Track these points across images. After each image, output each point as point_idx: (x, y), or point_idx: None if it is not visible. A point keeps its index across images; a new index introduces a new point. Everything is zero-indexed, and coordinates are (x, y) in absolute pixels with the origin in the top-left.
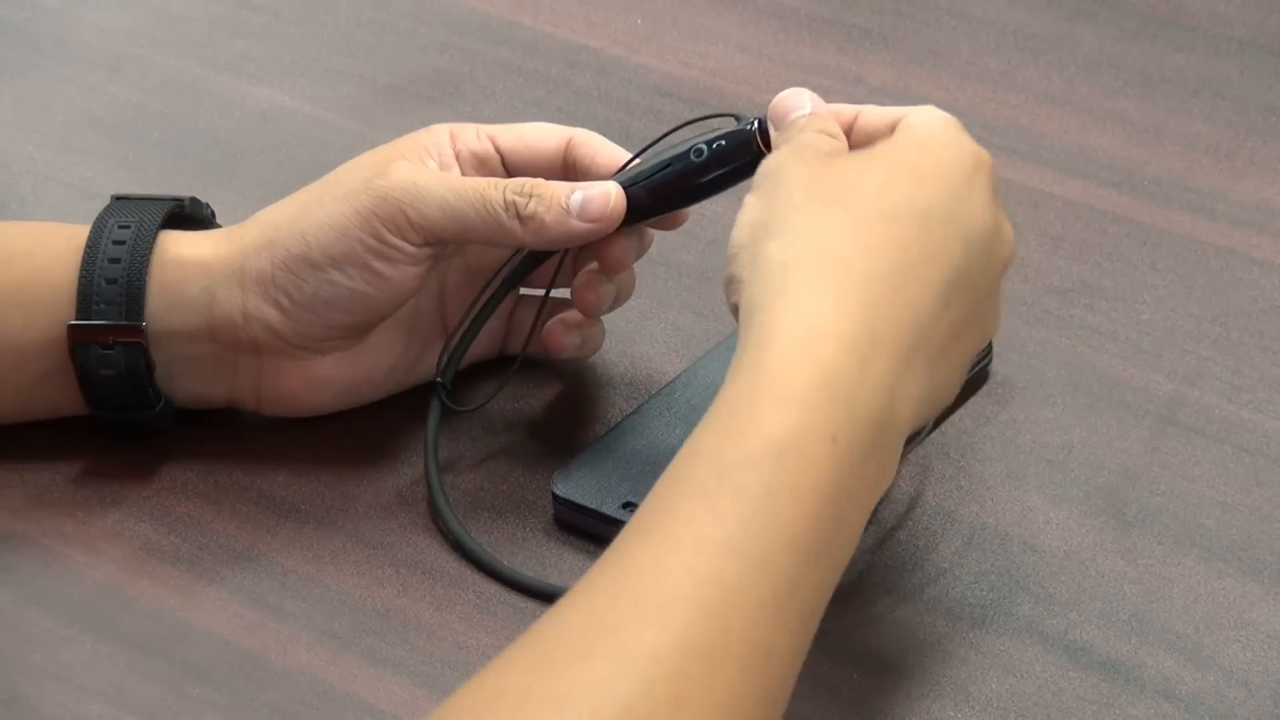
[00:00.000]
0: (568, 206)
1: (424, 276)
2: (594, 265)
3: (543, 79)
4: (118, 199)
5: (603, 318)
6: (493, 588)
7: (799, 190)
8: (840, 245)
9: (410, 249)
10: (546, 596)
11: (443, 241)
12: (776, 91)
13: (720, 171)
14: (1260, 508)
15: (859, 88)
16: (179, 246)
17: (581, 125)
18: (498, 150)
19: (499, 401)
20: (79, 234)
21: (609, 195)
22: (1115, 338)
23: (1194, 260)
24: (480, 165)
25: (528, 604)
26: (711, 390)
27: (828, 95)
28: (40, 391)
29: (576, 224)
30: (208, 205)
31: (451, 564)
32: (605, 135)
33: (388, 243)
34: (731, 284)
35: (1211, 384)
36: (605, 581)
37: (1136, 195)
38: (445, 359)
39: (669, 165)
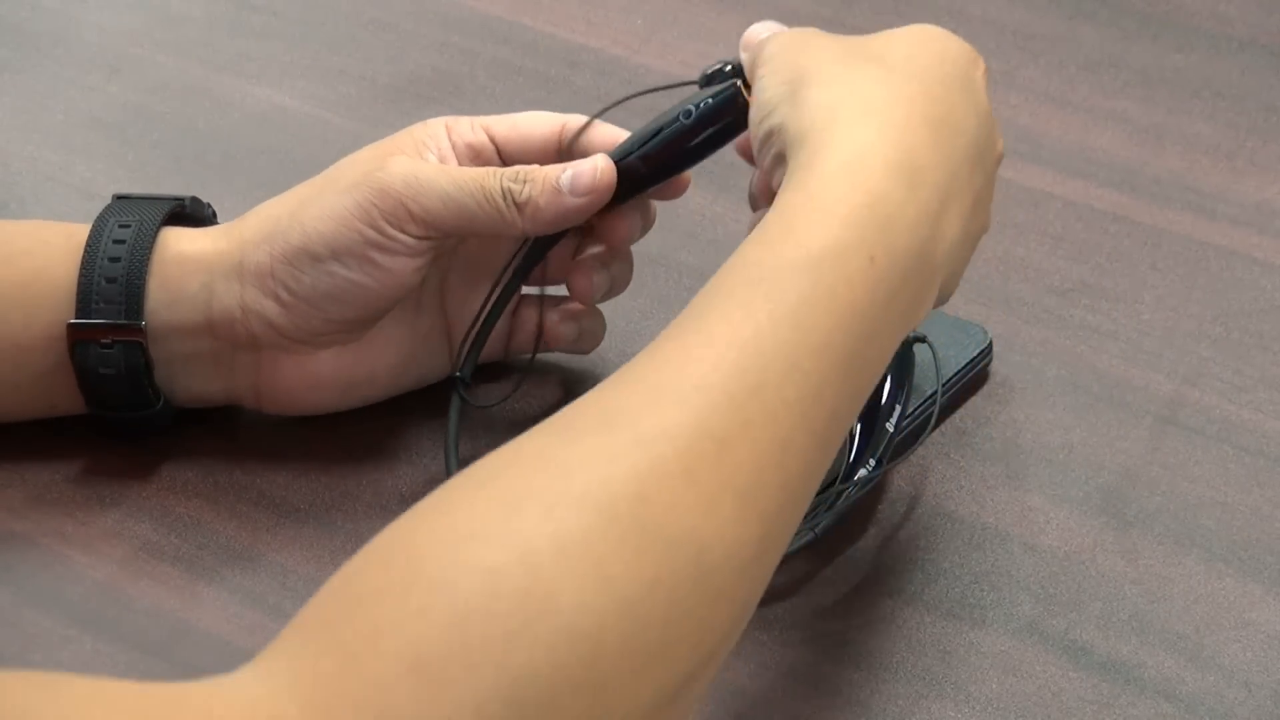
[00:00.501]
0: (559, 186)
1: (422, 270)
2: (590, 251)
3: (543, 79)
4: (119, 198)
5: (605, 321)
6: None
7: (829, 51)
8: (880, 93)
9: (410, 241)
10: None
11: (443, 233)
12: None
13: (710, 131)
14: (1260, 508)
15: None
16: (179, 243)
17: None
18: (493, 141)
19: (502, 403)
20: (79, 233)
21: (595, 167)
22: (1115, 338)
23: (1194, 260)
24: (476, 156)
25: None
26: None
27: None
28: (41, 390)
29: (570, 200)
30: (209, 205)
31: None
32: None
33: (387, 235)
34: (771, 136)
35: (1211, 384)
36: (635, 369)
37: (1136, 195)
38: (463, 354)
39: (659, 132)
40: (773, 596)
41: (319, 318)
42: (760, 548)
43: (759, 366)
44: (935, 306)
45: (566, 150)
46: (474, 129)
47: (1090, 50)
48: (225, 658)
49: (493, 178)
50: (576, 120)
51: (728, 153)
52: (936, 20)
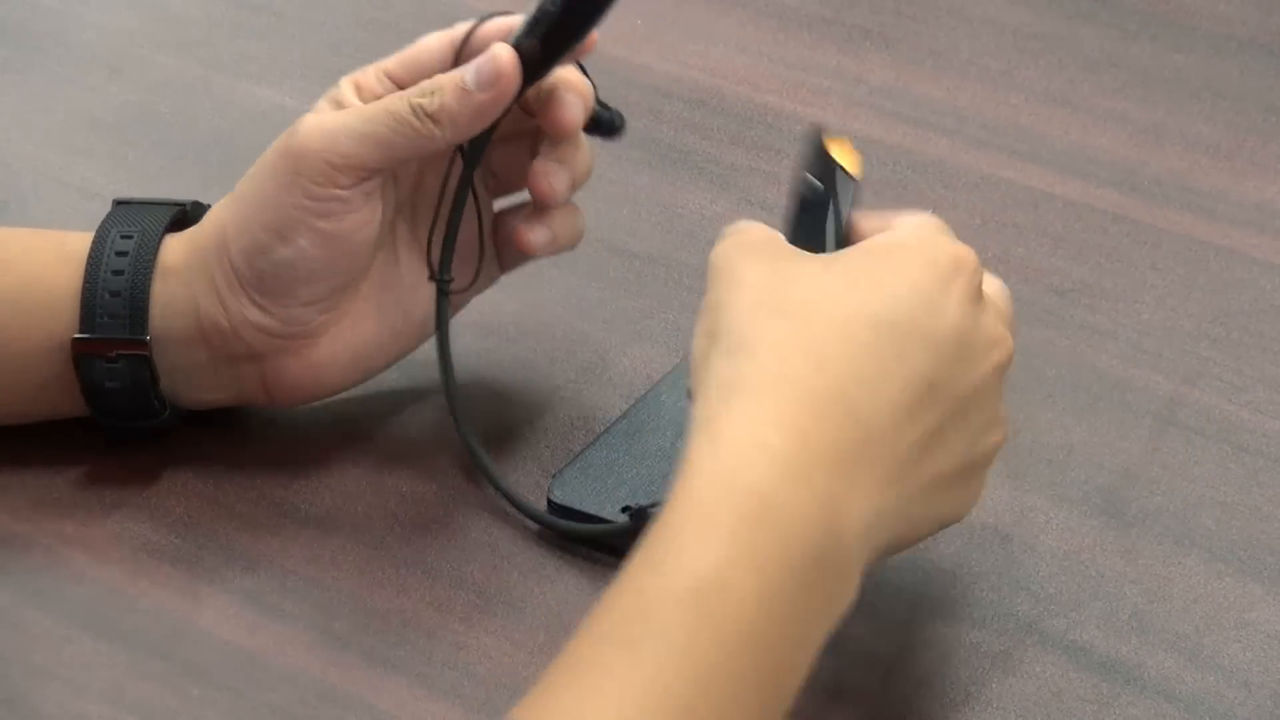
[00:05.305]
0: (466, 85)
1: (374, 221)
2: (544, 151)
3: None
4: (119, 204)
5: (581, 216)
6: (493, 587)
7: (749, 299)
8: (787, 361)
9: (345, 194)
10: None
11: (372, 171)
12: (777, 91)
13: None
14: (1260, 508)
15: (859, 88)
16: (164, 253)
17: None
18: (398, 85)
19: (498, 403)
20: (71, 241)
21: (494, 57)
22: (1115, 338)
23: (1194, 260)
24: None
25: (527, 604)
26: None
27: (827, 95)
28: (42, 396)
29: (479, 97)
30: (210, 209)
31: (451, 564)
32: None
33: (321, 198)
34: (689, 397)
35: (1211, 384)
36: None
37: (1136, 195)
38: (432, 257)
39: (543, 8)
40: None
41: (297, 305)
42: None
43: (655, 718)
44: (891, 555)
45: (462, 56)
46: (379, 79)
47: (1090, 50)
48: (225, 658)
49: (399, 100)
50: (466, 25)
51: (729, 153)
52: (936, 20)
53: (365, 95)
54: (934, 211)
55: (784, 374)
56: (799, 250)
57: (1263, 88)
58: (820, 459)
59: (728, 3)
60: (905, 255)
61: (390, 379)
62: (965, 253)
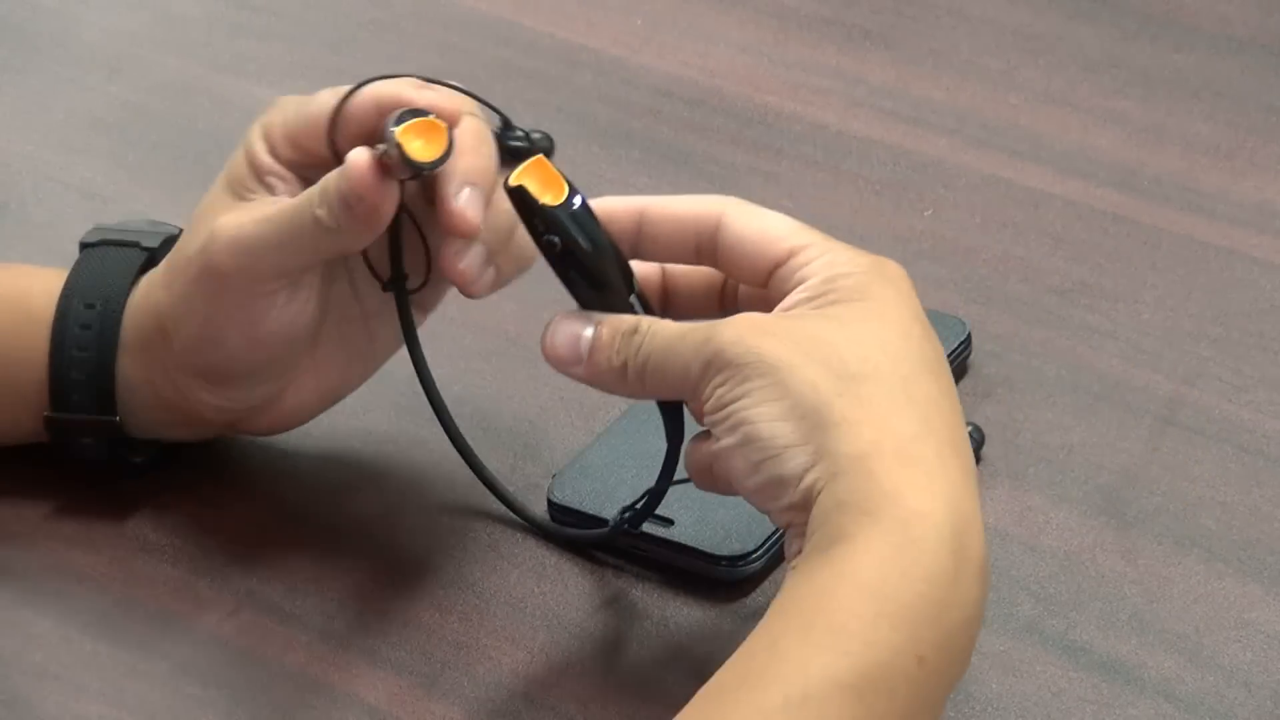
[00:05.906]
0: (342, 193)
1: (308, 307)
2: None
3: (543, 79)
4: (86, 248)
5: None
6: (493, 587)
7: (813, 374)
8: (902, 423)
9: (274, 300)
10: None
11: (300, 272)
12: (777, 92)
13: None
14: (1260, 508)
15: (859, 88)
16: (124, 328)
17: (581, 126)
18: (299, 153)
19: (498, 403)
20: (36, 300)
21: (352, 165)
22: (1115, 338)
23: (1194, 260)
24: (300, 162)
25: (527, 604)
26: None
27: (828, 95)
28: (14, 433)
29: (355, 209)
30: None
31: (451, 564)
32: (604, 136)
33: (249, 308)
34: (781, 486)
35: (1211, 384)
36: None
37: (1136, 195)
38: (371, 267)
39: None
40: (772, 596)
41: (247, 388)
42: None
43: None
44: None
45: (336, 126)
46: (290, 146)
47: (1090, 50)
48: (225, 658)
49: (306, 209)
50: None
51: (729, 153)
52: (936, 20)
53: (279, 155)
54: (933, 212)
55: (911, 436)
56: (785, 315)
57: (1263, 88)
58: (969, 521)
59: (728, 3)
60: (881, 291)
61: (389, 379)
62: (890, 264)
